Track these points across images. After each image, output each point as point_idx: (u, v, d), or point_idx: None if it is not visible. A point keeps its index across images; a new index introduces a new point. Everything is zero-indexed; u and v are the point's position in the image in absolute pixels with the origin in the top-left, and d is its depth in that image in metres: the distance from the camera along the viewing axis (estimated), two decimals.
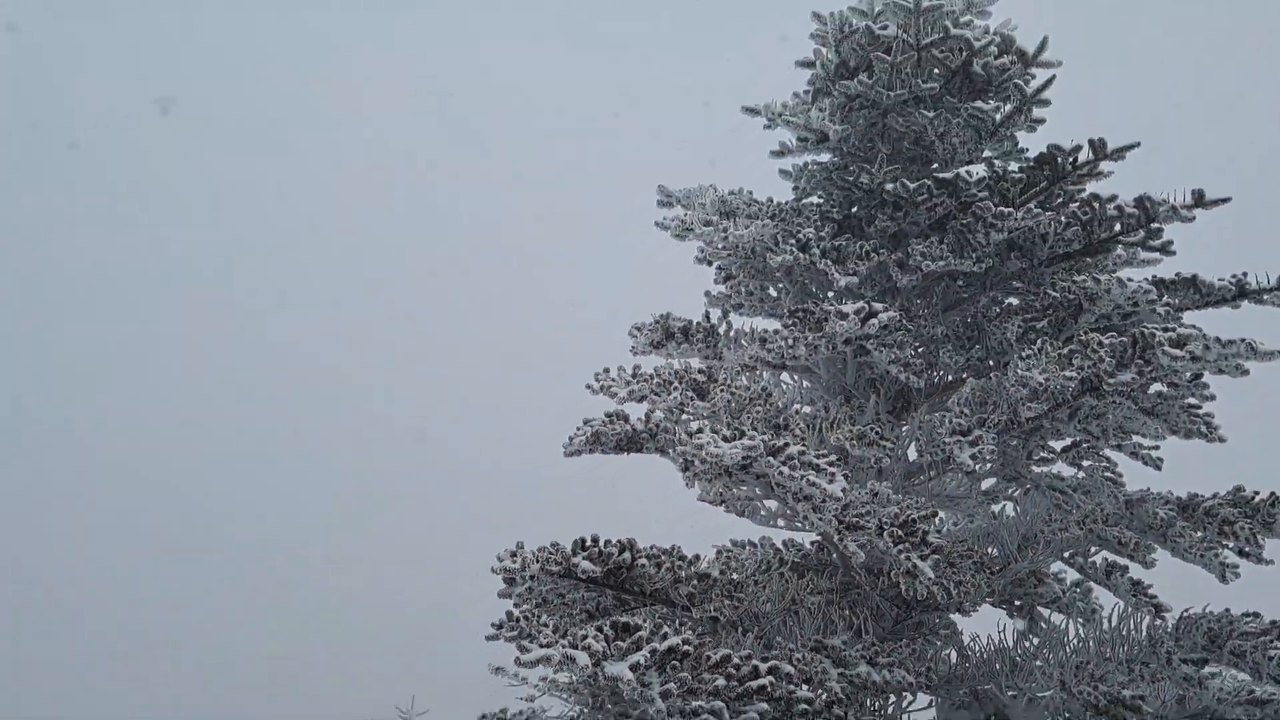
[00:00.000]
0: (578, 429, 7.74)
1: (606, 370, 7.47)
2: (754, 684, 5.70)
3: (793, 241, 7.62)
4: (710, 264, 8.52)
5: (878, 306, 7.03)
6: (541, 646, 5.51)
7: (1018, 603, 8.22)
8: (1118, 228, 7.62)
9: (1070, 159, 7.77)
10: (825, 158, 8.62)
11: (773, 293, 8.49)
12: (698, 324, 8.37)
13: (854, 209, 8.40)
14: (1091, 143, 7.65)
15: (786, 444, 6.16)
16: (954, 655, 7.85)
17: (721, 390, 7.15)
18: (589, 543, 6.40)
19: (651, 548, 6.62)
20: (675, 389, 7.16)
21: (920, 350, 7.78)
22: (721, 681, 5.64)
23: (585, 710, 9.97)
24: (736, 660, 5.75)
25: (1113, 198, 7.61)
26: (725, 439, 6.07)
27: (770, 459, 6.07)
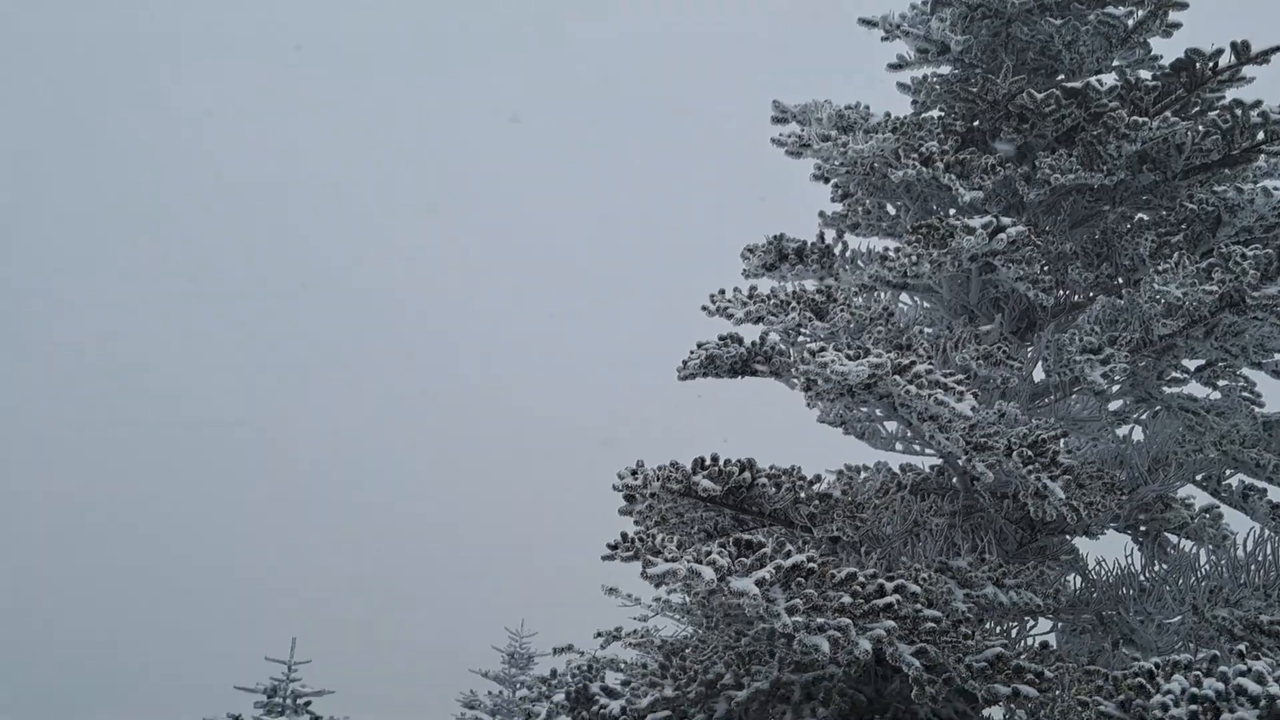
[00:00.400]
0: (691, 352, 7.69)
1: (722, 291, 7.38)
2: (880, 602, 5.63)
3: (915, 155, 7.39)
4: (827, 181, 8.34)
5: (1006, 221, 6.80)
6: (667, 561, 5.50)
7: (1143, 528, 7.98)
8: (1261, 136, 7.23)
9: (1210, 64, 7.36)
10: (945, 70, 8.33)
11: (891, 210, 8.28)
12: (812, 245, 8.22)
13: (976, 122, 8.11)
14: (1234, 45, 7.23)
15: (913, 362, 6.02)
16: (1078, 580, 7.69)
17: (841, 310, 7.01)
18: (708, 461, 6.37)
19: (771, 468, 6.57)
20: (793, 309, 7.04)
21: (1047, 267, 7.53)
22: (847, 599, 5.58)
23: (698, 630, 10.06)
24: (862, 578, 5.69)
25: (1256, 104, 7.21)
26: (849, 358, 5.95)
27: (896, 377, 5.94)
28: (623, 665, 9.24)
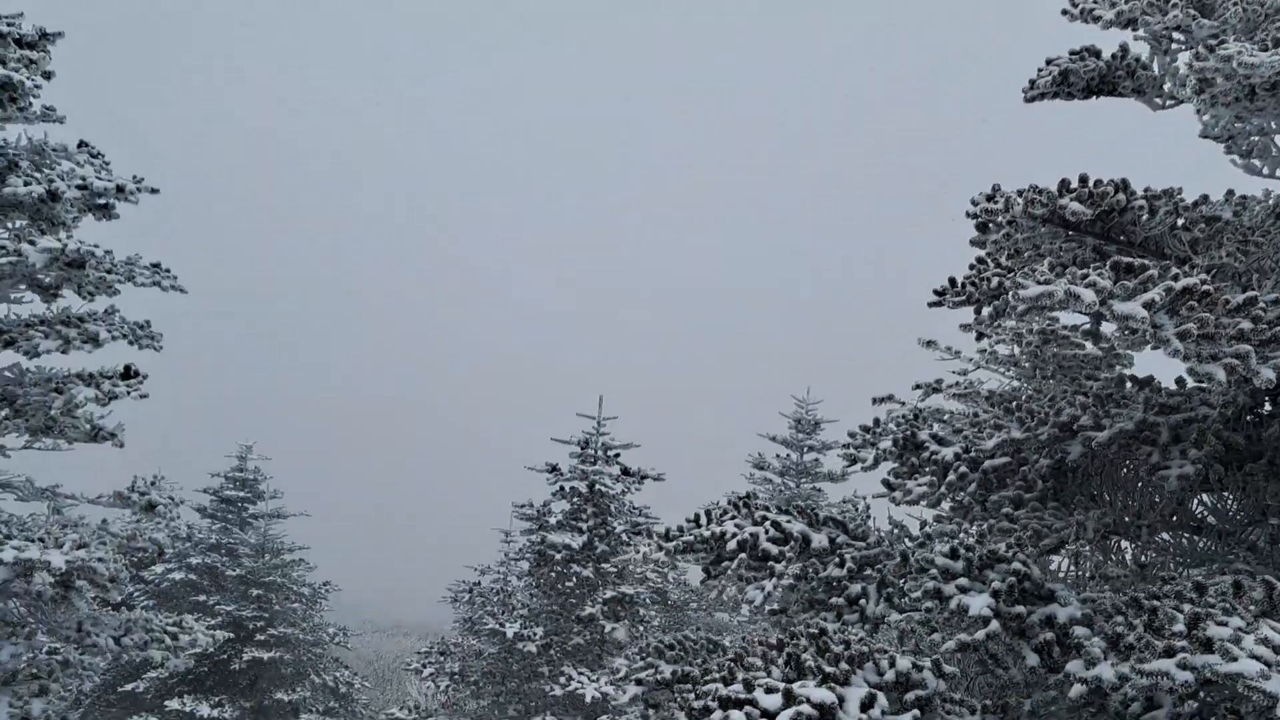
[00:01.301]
0: (1040, 70, 6.97)
1: None
2: None
3: None
4: None
5: None
6: (1039, 284, 5.06)
7: None
8: None
9: None
10: None
11: None
12: None
13: None
14: None
15: None
16: None
17: (1233, 4, 6.06)
18: (1076, 183, 5.77)
19: (1146, 189, 5.90)
20: (1174, 6, 6.15)
21: None
22: (1246, 325, 4.99)
23: (1026, 382, 9.58)
24: (1262, 303, 5.07)
25: None
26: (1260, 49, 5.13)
27: None
28: (945, 416, 8.97)
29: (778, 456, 23.40)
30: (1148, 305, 4.92)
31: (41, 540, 8.62)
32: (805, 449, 23.41)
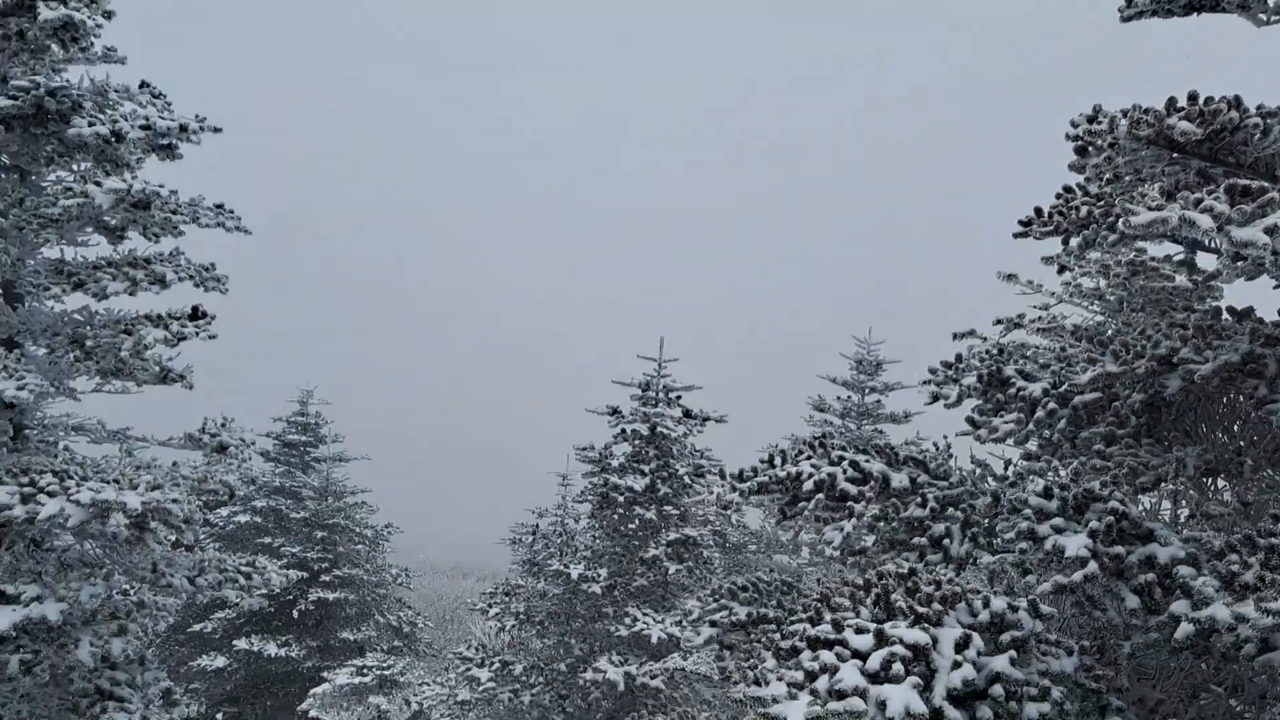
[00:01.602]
0: None
1: None
2: None
3: None
4: None
5: None
6: (1150, 210, 4.78)
7: None
8: None
9: None
10: None
11: None
12: None
13: None
14: None
15: None
16: None
17: None
18: (1185, 102, 5.46)
19: (1259, 107, 5.57)
20: None
21: None
22: None
23: (1108, 317, 9.25)
24: None
25: None
26: None
27: None
28: (1029, 352, 8.70)
29: (838, 399, 23.11)
30: (1269, 230, 4.63)
31: (116, 482, 8.67)
32: (867, 390, 23.10)
